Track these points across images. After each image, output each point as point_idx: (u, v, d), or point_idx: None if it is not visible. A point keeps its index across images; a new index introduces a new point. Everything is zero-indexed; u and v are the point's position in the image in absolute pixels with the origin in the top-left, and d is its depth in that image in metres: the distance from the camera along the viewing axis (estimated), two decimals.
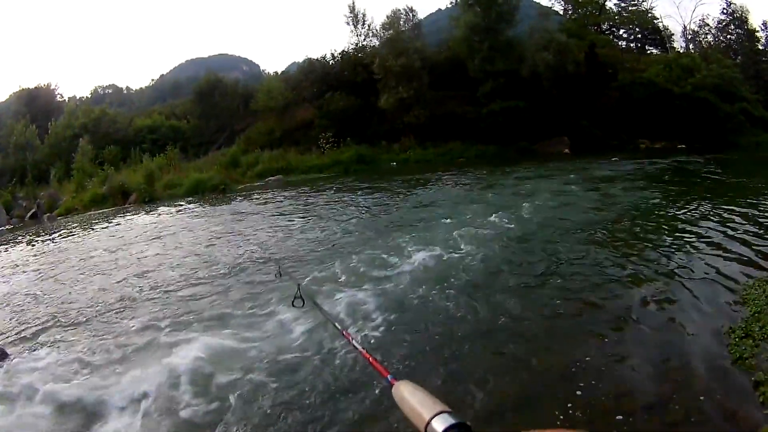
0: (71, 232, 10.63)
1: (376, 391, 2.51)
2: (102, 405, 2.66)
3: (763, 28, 35.73)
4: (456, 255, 5.07)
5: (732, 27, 33.16)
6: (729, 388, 2.50)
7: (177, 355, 3.08)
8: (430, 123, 22.26)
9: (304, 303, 1.70)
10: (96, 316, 4.25)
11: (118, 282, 5.36)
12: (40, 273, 6.50)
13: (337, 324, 1.29)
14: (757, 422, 2.18)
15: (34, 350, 3.62)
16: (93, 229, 10.58)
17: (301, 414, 2.48)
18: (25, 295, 5.36)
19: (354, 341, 1.07)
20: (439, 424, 0.51)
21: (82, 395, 2.75)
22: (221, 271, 5.27)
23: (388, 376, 0.77)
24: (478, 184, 12.43)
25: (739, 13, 33.85)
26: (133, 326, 3.87)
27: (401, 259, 4.97)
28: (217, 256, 6.10)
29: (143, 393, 2.69)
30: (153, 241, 7.78)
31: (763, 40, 35.09)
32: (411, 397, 0.61)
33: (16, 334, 4.05)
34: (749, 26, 34.09)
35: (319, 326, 3.33)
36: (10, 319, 4.50)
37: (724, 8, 34.06)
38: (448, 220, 7.02)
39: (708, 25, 33.16)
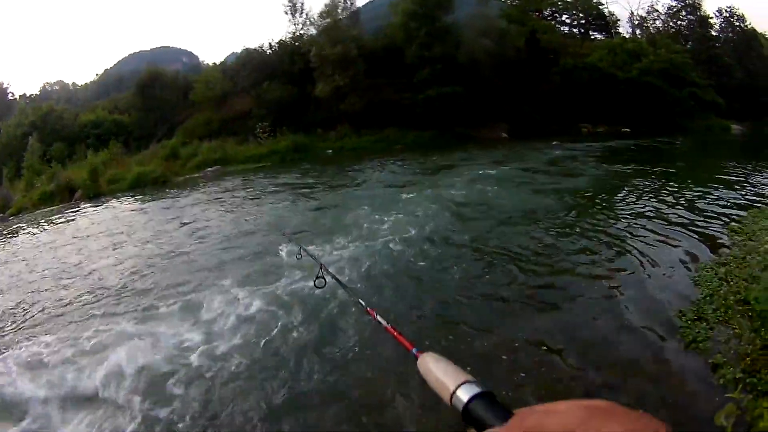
0: (20, 233, 10.46)
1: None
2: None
3: (717, 14, 36.04)
4: (395, 238, 5.00)
5: (684, 13, 33.27)
6: (685, 372, 2.40)
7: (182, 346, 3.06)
8: (365, 110, 22.11)
9: (326, 283, 1.64)
10: (56, 314, 4.18)
11: (61, 281, 5.27)
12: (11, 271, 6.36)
13: (361, 301, 1.27)
14: (717, 405, 2.07)
15: (13, 345, 3.54)
16: (39, 229, 10.42)
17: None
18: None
19: (378, 317, 1.07)
20: (464, 393, 0.52)
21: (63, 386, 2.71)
22: (165, 265, 5.20)
23: (413, 350, 0.78)
24: (412, 171, 12.34)
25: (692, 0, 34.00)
26: (122, 313, 3.83)
27: (347, 243, 4.93)
28: (161, 251, 6.00)
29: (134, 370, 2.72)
30: (101, 238, 7.63)
31: (717, 27, 35.35)
32: (436, 369, 0.62)
33: None
34: (702, 13, 34.25)
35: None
36: None
37: None
38: (376, 208, 6.86)
39: (657, 11, 33.28)
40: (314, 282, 1.63)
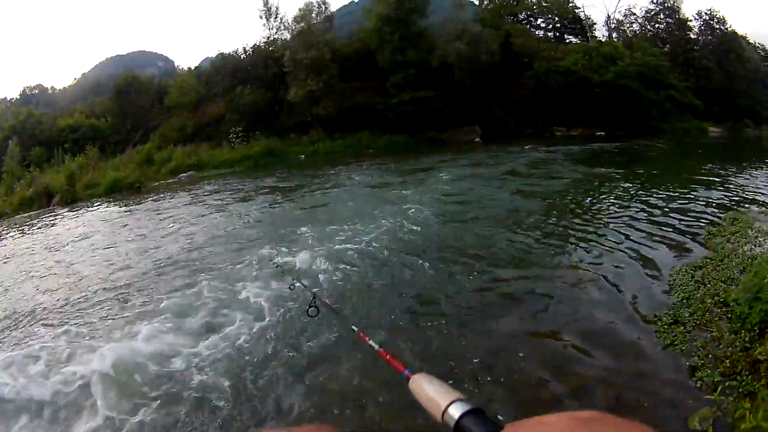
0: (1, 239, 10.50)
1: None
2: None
3: (697, 17, 36.25)
4: (380, 243, 4.99)
5: (661, 16, 33.46)
6: (662, 375, 2.38)
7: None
8: (339, 115, 22.19)
9: (318, 312, 1.65)
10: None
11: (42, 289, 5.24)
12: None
13: (354, 327, 1.32)
14: (696, 407, 2.07)
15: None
16: (21, 233, 10.53)
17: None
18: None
19: (370, 341, 1.11)
20: (455, 410, 0.54)
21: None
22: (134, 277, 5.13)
23: (405, 371, 0.81)
24: (388, 175, 12.34)
25: (671, 2, 34.20)
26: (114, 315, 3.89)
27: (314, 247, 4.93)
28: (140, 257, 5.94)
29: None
30: (81, 242, 7.71)
31: (696, 29, 35.57)
32: (427, 388, 0.64)
33: None
34: (681, 16, 34.45)
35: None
36: None
37: None
38: (356, 212, 6.81)
39: (634, 14, 33.44)
40: (307, 311, 1.64)
